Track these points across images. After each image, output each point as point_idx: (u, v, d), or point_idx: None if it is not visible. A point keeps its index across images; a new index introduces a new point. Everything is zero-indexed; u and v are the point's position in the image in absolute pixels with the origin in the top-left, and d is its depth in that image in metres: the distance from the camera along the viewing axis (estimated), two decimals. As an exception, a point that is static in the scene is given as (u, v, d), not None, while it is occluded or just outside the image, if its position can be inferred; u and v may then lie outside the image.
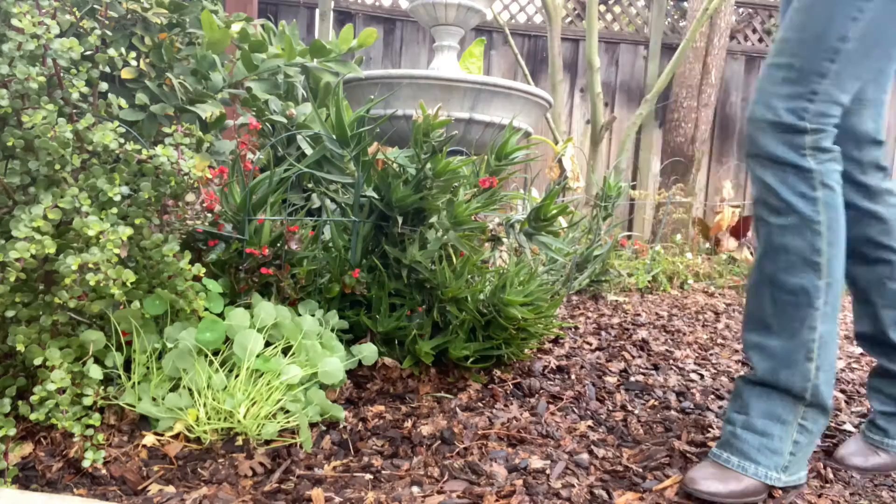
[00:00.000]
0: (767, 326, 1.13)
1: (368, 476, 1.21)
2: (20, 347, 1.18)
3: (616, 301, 2.97)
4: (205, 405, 1.31)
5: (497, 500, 1.13)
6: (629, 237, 4.74)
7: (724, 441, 1.18)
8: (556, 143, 4.42)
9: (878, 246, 1.25)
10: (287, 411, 1.35)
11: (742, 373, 1.18)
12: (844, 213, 1.10)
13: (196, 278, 1.44)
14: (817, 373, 1.11)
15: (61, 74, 1.23)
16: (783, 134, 1.05)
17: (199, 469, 1.20)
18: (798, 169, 1.06)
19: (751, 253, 4.44)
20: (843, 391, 1.85)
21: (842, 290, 1.12)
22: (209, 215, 1.55)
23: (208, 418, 1.30)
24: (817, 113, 1.05)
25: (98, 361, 1.33)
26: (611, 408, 1.61)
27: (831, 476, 1.29)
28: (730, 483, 1.12)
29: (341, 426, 1.40)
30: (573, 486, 1.20)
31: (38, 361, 1.18)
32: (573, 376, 1.80)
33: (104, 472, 1.17)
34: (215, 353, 1.39)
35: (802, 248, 1.07)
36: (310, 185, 1.96)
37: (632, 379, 1.82)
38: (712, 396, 1.72)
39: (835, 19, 1.03)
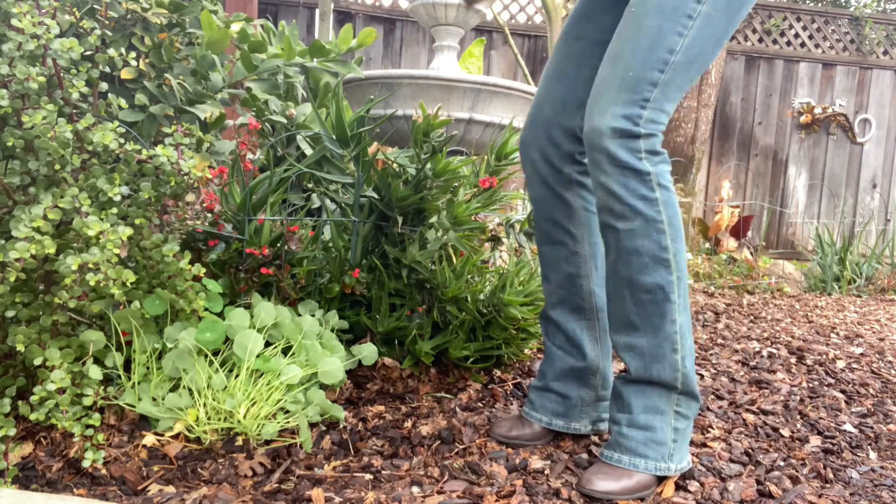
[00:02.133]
0: (633, 326, 1.19)
1: (368, 476, 1.21)
2: (20, 347, 1.18)
3: (616, 301, 2.97)
4: (205, 405, 1.31)
5: (497, 500, 1.14)
6: (629, 237, 4.73)
7: (612, 442, 1.22)
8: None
9: (559, 227, 1.35)
10: (287, 411, 1.35)
11: (620, 374, 1.25)
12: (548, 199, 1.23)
13: (196, 278, 1.44)
14: (683, 361, 1.19)
15: (61, 74, 1.23)
16: (621, 139, 1.11)
17: (199, 469, 1.20)
18: (637, 172, 1.12)
19: (750, 253, 4.44)
20: (843, 391, 1.85)
21: (687, 284, 1.20)
22: (209, 215, 1.55)
23: (208, 418, 1.30)
24: (649, 119, 1.12)
25: (98, 361, 1.33)
26: (611, 408, 1.61)
27: (831, 476, 1.29)
28: (622, 480, 1.16)
29: (341, 426, 1.40)
30: (573, 485, 1.20)
31: (38, 361, 1.18)
32: (573, 376, 1.80)
33: (104, 472, 1.17)
34: (215, 353, 1.39)
35: (651, 248, 1.14)
36: (310, 185, 1.96)
37: (632, 379, 1.82)
38: (712, 396, 1.72)
39: (664, 33, 1.11)
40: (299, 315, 1.54)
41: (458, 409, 1.53)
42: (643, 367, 1.18)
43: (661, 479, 1.21)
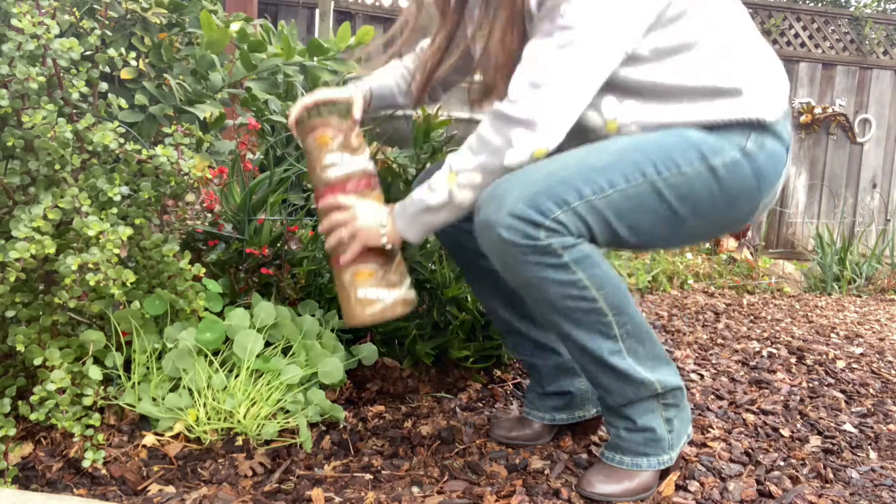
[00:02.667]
0: (590, 372, 1.16)
1: (368, 476, 1.21)
2: (20, 347, 1.18)
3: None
4: (205, 405, 1.31)
5: (497, 500, 1.14)
6: (629, 237, 4.73)
7: (612, 444, 1.21)
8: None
9: (480, 255, 1.30)
10: (287, 411, 1.35)
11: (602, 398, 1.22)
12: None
13: (196, 278, 1.44)
14: (653, 373, 1.15)
15: (61, 74, 1.23)
16: (521, 222, 1.02)
17: (199, 469, 1.20)
18: (535, 248, 1.03)
19: (750, 253, 4.44)
20: (843, 391, 1.85)
21: (632, 309, 1.13)
22: (209, 215, 1.55)
23: (208, 418, 1.30)
24: (558, 221, 1.02)
25: (98, 361, 1.33)
26: (611, 408, 1.60)
27: (831, 476, 1.29)
28: (623, 482, 1.16)
29: (341, 426, 1.40)
30: (573, 486, 1.20)
31: (38, 361, 1.18)
32: (573, 376, 1.80)
33: (104, 472, 1.17)
34: (215, 353, 1.39)
35: (577, 306, 1.07)
36: (310, 185, 1.96)
37: (632, 379, 1.82)
38: (712, 396, 1.72)
39: (614, 169, 1.05)
40: (299, 315, 1.54)
41: (458, 409, 1.53)
42: (620, 396, 1.16)
43: (662, 477, 1.21)
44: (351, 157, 1.14)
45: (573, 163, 1.07)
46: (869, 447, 1.47)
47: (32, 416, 1.16)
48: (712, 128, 1.09)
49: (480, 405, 1.57)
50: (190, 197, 1.39)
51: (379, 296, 1.16)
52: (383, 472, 1.23)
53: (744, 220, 1.17)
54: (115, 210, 1.22)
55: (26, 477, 1.15)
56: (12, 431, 1.16)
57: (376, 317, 1.16)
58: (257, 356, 1.37)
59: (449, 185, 1.08)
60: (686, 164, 1.07)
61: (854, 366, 2.11)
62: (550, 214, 1.02)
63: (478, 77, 1.23)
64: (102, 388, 1.29)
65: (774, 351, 2.22)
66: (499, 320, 1.39)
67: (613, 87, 1.09)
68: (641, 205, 1.07)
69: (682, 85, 1.08)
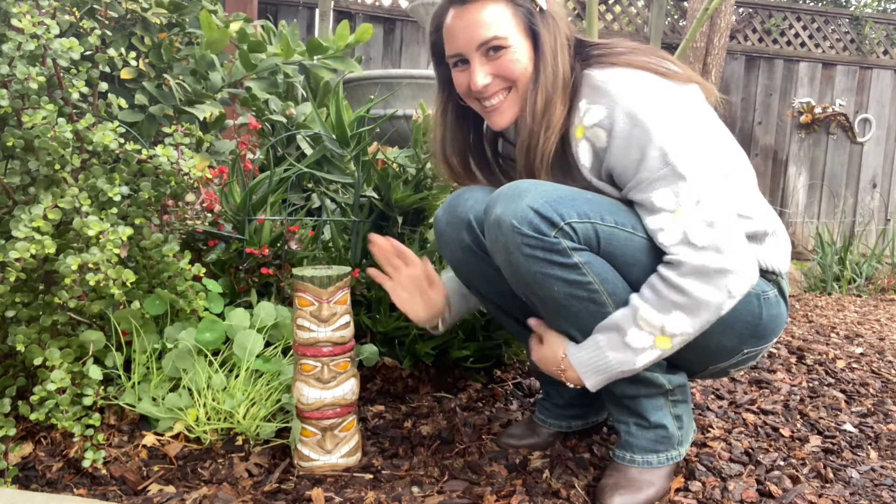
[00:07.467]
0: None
1: (368, 476, 1.21)
2: (20, 347, 1.18)
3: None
4: (205, 405, 1.31)
5: (497, 500, 1.14)
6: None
7: (623, 442, 1.21)
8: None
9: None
10: (287, 411, 1.35)
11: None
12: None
13: (196, 278, 1.44)
14: (663, 370, 1.17)
15: (61, 74, 1.23)
16: (536, 215, 1.02)
17: (199, 469, 1.20)
18: (543, 243, 1.03)
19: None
20: (843, 391, 1.85)
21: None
22: (209, 215, 1.55)
23: (208, 418, 1.30)
24: (573, 227, 1.03)
25: (98, 361, 1.33)
26: (611, 408, 1.60)
27: (831, 476, 1.29)
28: (643, 490, 1.16)
29: (341, 426, 1.40)
30: (573, 485, 1.20)
31: (38, 361, 1.18)
32: (573, 376, 1.79)
33: (104, 472, 1.17)
34: (215, 353, 1.38)
35: (586, 307, 1.07)
36: (310, 185, 1.96)
37: (632, 379, 1.82)
38: (712, 396, 1.72)
39: (614, 207, 1.07)
40: (299, 315, 1.53)
41: (458, 408, 1.53)
42: (632, 395, 1.17)
43: (674, 476, 1.21)
44: (317, 326, 1.23)
45: (599, 199, 1.08)
46: (869, 447, 1.47)
47: (32, 416, 1.16)
48: None
49: (480, 405, 1.57)
50: (190, 197, 1.39)
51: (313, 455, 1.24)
52: (383, 471, 1.23)
53: (723, 354, 1.18)
54: (115, 210, 1.22)
55: (26, 477, 1.15)
56: (12, 431, 1.16)
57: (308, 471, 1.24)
58: (257, 356, 1.37)
59: (662, 347, 1.06)
60: None
61: (854, 365, 2.11)
62: (568, 219, 1.03)
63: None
64: (102, 388, 1.29)
65: (774, 350, 2.22)
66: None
67: None
68: (624, 249, 1.07)
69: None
